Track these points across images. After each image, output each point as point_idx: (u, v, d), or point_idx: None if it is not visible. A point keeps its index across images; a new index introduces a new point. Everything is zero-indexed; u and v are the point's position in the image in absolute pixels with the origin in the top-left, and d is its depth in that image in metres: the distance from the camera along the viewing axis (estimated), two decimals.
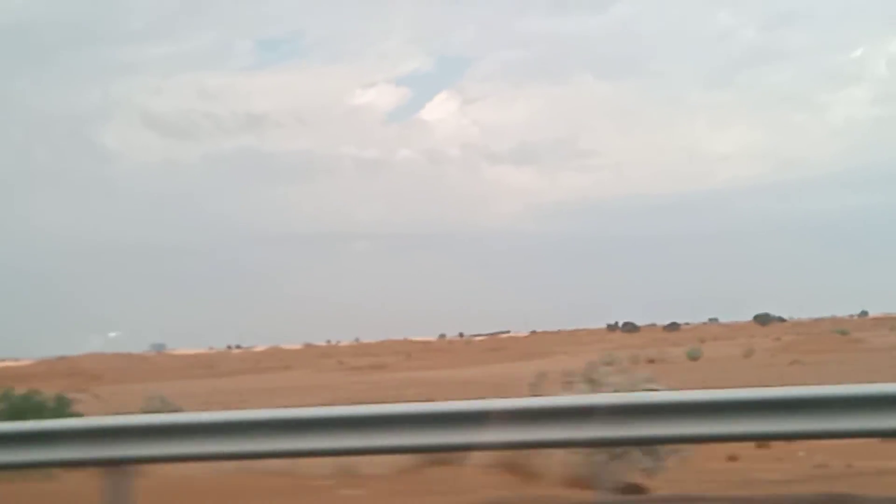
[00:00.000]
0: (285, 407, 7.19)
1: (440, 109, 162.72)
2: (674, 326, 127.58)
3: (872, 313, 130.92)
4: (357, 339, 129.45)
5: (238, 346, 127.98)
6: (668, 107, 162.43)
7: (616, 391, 9.02)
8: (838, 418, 5.87)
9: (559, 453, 8.27)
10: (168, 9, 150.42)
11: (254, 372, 71.25)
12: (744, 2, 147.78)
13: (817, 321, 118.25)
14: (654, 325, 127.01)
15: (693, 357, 66.82)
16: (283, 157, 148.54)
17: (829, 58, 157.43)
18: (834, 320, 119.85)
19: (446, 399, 8.17)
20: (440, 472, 8.43)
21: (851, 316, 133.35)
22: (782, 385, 6.37)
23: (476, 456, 8.01)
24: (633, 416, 6.08)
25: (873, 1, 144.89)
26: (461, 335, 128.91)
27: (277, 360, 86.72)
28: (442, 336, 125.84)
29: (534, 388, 14.33)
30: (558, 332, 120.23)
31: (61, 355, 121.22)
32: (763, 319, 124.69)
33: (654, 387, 9.57)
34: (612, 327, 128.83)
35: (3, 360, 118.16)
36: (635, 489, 8.76)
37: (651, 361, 49.97)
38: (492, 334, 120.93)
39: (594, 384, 9.97)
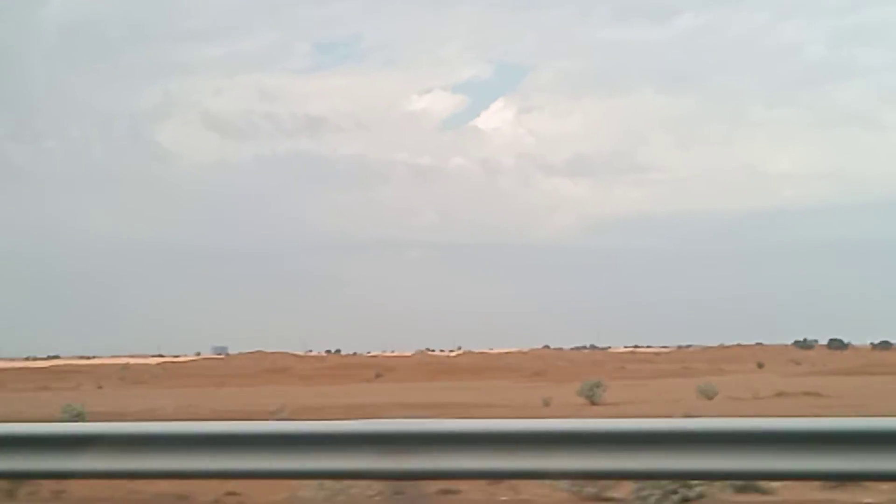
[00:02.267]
0: None
1: (496, 118, 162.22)
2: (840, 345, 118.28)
3: None
4: (427, 349, 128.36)
5: (310, 351, 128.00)
6: (729, 122, 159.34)
7: None
8: None
9: None
10: (227, 10, 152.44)
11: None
12: (812, 17, 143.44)
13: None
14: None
15: None
16: (338, 161, 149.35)
17: None
18: None
19: None
20: None
21: None
22: None
23: None
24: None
25: None
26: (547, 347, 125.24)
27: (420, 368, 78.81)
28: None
29: None
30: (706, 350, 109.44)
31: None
32: (837, 345, 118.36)
33: None
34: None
35: (69, 357, 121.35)
36: None
37: None
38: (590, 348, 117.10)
39: None
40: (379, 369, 72.81)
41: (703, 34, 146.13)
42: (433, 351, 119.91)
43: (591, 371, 55.77)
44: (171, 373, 74.24)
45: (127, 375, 72.89)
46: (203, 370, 75.28)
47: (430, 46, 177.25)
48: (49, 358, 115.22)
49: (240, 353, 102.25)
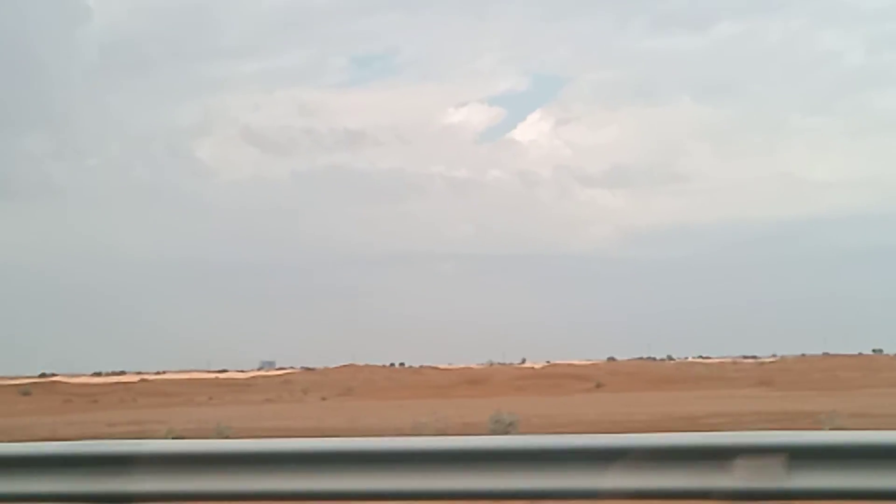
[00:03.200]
0: None
1: (533, 130, 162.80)
2: None
3: None
4: (469, 363, 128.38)
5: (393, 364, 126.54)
6: (768, 131, 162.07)
7: None
8: None
9: None
10: (263, 26, 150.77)
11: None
12: (850, 24, 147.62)
13: None
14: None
15: None
16: (375, 175, 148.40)
17: None
18: None
19: None
20: None
21: None
22: None
23: None
24: None
25: None
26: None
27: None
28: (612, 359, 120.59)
29: None
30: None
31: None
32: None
33: None
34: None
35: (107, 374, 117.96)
36: None
37: None
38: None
39: None
40: (581, 379, 69.98)
41: (740, 42, 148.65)
42: (502, 363, 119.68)
43: (820, 379, 55.75)
44: (365, 385, 69.92)
45: (355, 387, 68.53)
46: (364, 384, 72.46)
47: (466, 59, 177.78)
48: (115, 373, 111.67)
49: (328, 367, 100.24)
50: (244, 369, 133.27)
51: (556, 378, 68.96)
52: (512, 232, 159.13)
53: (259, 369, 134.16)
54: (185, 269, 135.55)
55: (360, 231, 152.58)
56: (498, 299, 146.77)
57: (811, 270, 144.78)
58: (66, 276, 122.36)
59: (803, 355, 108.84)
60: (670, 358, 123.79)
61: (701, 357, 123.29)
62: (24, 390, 67.55)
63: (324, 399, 59.75)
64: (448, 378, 74.14)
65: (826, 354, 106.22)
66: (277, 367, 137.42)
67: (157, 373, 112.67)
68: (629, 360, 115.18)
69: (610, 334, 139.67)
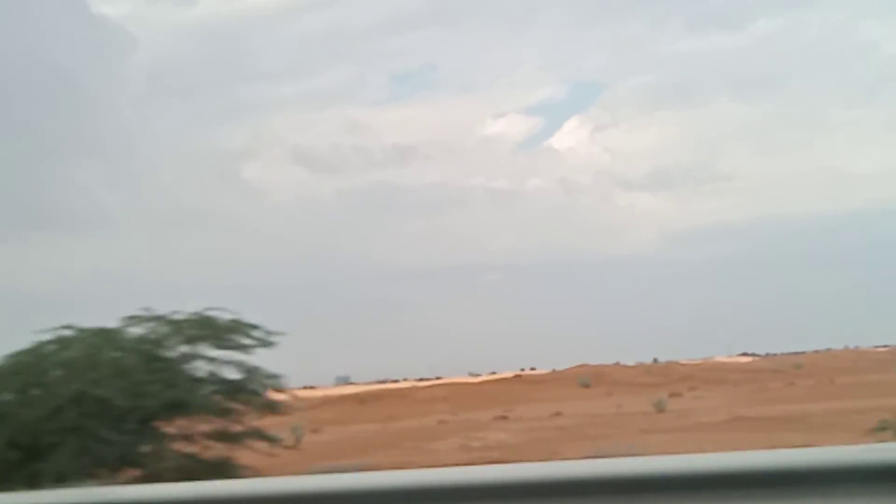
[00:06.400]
0: None
1: (571, 137, 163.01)
2: None
3: None
4: (532, 367, 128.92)
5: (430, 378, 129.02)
6: (808, 126, 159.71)
7: None
8: None
9: None
10: (302, 46, 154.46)
11: None
12: (886, 15, 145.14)
13: None
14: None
15: None
16: (418, 190, 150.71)
17: None
18: None
19: None
20: None
21: None
22: None
23: None
24: None
25: None
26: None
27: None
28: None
29: None
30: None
31: None
32: None
33: None
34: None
35: None
36: None
37: None
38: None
39: None
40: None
41: (777, 39, 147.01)
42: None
43: None
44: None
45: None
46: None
47: (503, 70, 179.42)
48: None
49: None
50: (321, 385, 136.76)
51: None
52: (555, 240, 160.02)
53: (336, 385, 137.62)
54: (241, 291, 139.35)
55: (403, 246, 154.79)
56: (545, 307, 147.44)
57: (856, 262, 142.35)
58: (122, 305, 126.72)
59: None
60: (706, 357, 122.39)
61: (746, 354, 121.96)
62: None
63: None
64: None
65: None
66: (352, 381, 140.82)
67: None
68: (728, 357, 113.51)
69: (668, 335, 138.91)
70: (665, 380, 59.50)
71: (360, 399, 59.22)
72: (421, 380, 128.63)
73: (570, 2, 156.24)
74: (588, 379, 60.75)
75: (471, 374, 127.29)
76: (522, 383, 62.84)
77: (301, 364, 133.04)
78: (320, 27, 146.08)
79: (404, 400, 54.60)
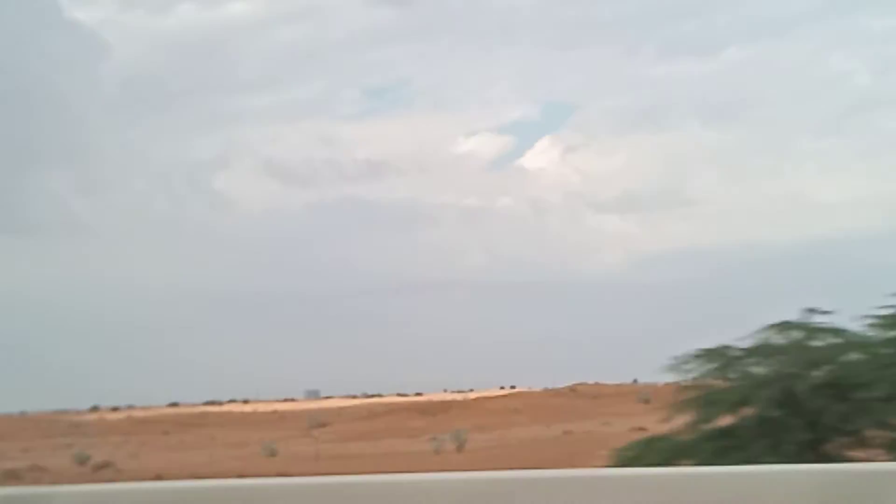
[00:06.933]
0: None
1: (542, 157, 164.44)
2: None
3: None
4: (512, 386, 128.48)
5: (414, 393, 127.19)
6: (777, 154, 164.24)
7: None
8: None
9: None
10: (277, 58, 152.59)
11: None
12: (857, 46, 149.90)
13: None
14: None
15: None
16: (387, 206, 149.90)
17: None
18: None
19: None
20: None
21: None
22: None
23: None
24: None
25: None
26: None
27: None
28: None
29: None
30: None
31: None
32: None
33: None
34: None
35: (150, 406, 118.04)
36: None
37: None
38: None
39: None
40: None
41: (748, 66, 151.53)
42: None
43: None
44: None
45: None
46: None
47: (476, 88, 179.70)
48: (171, 406, 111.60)
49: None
50: (291, 398, 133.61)
51: None
52: (523, 259, 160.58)
53: (306, 398, 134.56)
54: (208, 300, 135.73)
55: (374, 260, 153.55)
56: (510, 325, 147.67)
57: (819, 288, 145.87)
58: (86, 310, 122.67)
59: None
60: None
61: None
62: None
63: None
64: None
65: None
66: (323, 395, 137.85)
67: (212, 403, 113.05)
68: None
69: (633, 357, 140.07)
70: None
71: (419, 409, 57.47)
72: (400, 394, 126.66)
73: (546, 23, 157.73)
74: (648, 395, 60.29)
75: (458, 391, 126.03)
76: (580, 397, 61.66)
77: (269, 375, 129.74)
78: (295, 40, 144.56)
79: (476, 411, 52.71)
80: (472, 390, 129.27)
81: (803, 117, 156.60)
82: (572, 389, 69.11)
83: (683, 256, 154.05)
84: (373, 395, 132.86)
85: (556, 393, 64.86)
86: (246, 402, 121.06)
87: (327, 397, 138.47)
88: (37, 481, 28.90)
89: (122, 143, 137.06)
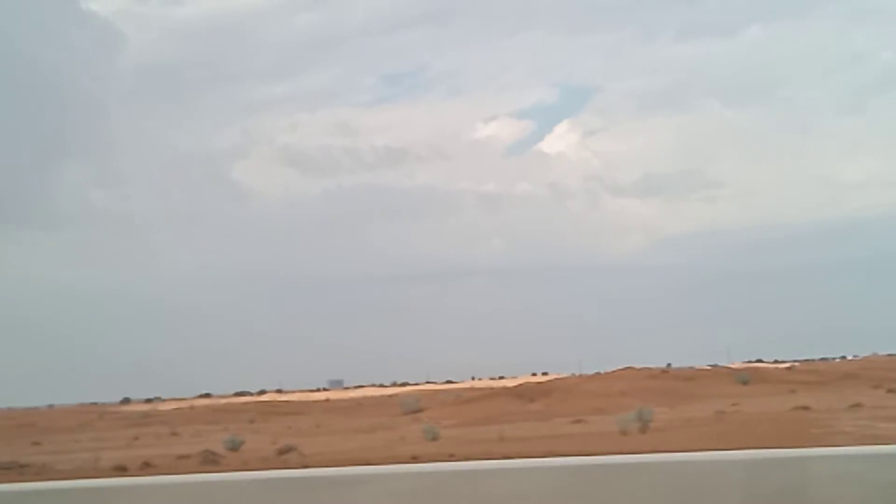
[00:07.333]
0: None
1: (561, 141, 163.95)
2: None
3: None
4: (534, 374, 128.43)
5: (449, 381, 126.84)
6: (799, 134, 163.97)
7: None
8: None
9: None
10: (292, 47, 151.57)
11: None
12: (881, 23, 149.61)
13: None
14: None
15: None
16: (408, 193, 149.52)
17: None
18: None
19: None
20: None
21: None
22: None
23: None
24: None
25: None
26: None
27: None
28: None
29: None
30: None
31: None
32: None
33: None
34: None
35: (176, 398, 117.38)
36: None
37: None
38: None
39: None
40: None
41: (769, 46, 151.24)
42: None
43: None
44: None
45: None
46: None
47: (494, 73, 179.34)
48: (202, 396, 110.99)
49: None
50: (314, 388, 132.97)
51: None
52: (542, 245, 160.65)
53: (328, 388, 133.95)
54: (229, 289, 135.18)
55: (394, 247, 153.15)
56: (533, 311, 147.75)
57: (847, 273, 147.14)
58: (117, 296, 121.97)
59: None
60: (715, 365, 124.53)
61: (760, 361, 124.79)
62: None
63: None
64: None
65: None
66: (345, 385, 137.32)
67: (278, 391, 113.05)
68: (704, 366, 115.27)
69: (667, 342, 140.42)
70: (820, 378, 60.22)
71: (517, 393, 57.17)
72: (429, 382, 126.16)
73: (563, 5, 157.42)
74: (747, 376, 61.00)
75: (491, 378, 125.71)
76: (674, 379, 61.70)
77: (292, 366, 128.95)
78: (311, 27, 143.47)
79: (579, 394, 52.80)
80: (501, 377, 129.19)
81: (825, 97, 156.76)
82: (664, 371, 69.32)
83: (705, 238, 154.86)
84: (402, 384, 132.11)
85: (650, 374, 64.92)
86: (279, 391, 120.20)
87: (353, 387, 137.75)
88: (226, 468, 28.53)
89: (139, 134, 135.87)
